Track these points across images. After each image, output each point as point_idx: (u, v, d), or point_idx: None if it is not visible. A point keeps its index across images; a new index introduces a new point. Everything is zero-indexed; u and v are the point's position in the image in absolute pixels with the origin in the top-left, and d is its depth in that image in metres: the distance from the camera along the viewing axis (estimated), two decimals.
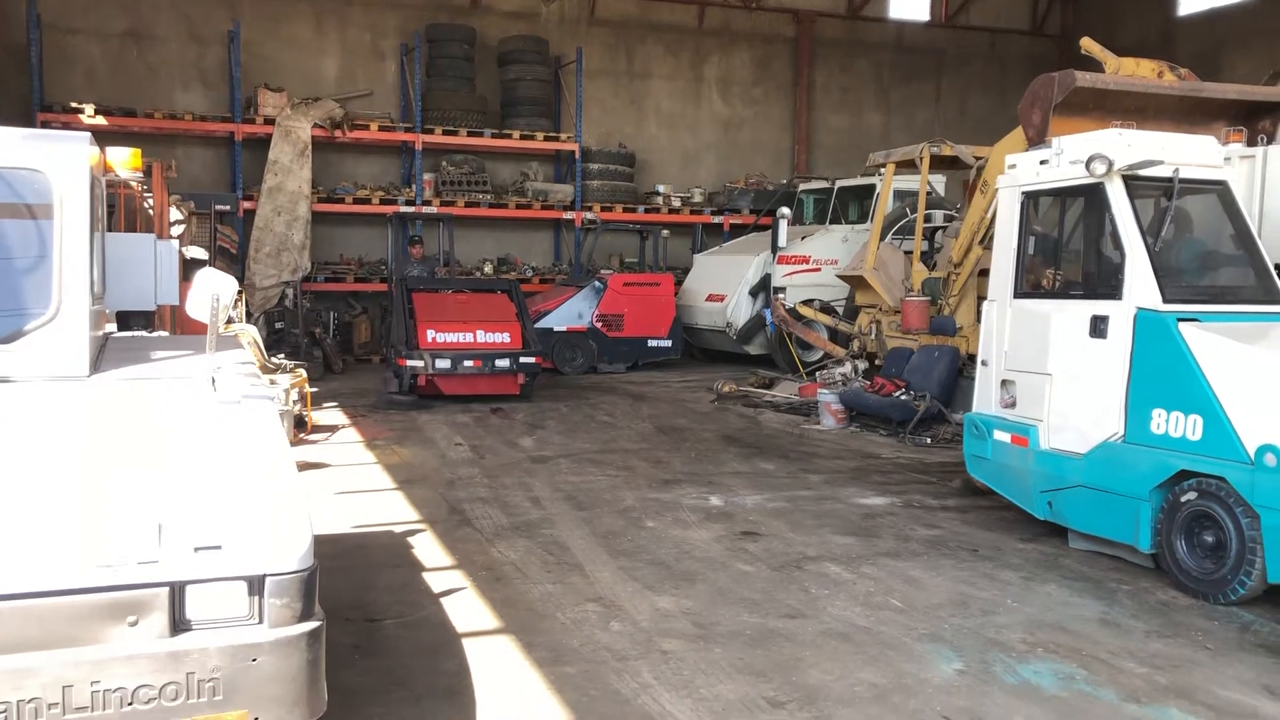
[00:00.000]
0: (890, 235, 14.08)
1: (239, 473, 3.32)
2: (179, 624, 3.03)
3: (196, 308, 4.10)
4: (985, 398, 7.07)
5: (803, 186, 18.20)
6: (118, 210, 9.41)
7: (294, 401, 9.44)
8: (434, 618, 5.16)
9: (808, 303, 14.94)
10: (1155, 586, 5.75)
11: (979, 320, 7.56)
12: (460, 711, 4.09)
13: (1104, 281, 6.29)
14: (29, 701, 2.86)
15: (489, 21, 19.08)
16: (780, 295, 14.98)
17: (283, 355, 11.71)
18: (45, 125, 15.30)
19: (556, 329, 15.47)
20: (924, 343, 11.23)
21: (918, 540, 6.68)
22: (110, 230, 5.64)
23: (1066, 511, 6.38)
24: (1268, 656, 4.80)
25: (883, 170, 13.37)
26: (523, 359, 12.23)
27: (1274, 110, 8.96)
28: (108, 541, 3.00)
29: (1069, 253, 6.82)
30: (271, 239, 16.47)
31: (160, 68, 17.37)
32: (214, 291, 4.05)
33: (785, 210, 14.94)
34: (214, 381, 4.00)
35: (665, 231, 17.62)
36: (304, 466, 8.33)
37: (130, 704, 2.95)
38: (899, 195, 14.80)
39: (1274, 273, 6.35)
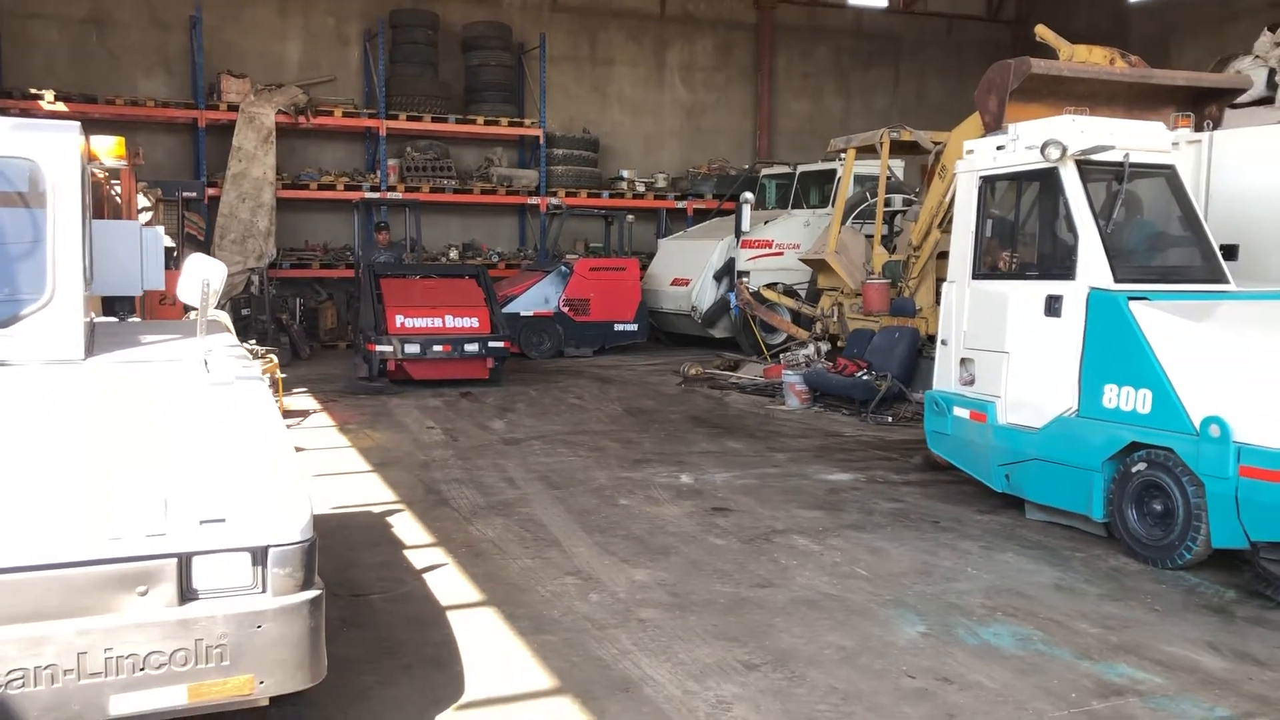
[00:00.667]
0: (851, 219, 14.34)
1: (240, 449, 3.47)
2: (186, 593, 3.18)
3: (187, 292, 4.22)
4: (945, 376, 7.32)
5: (765, 171, 18.42)
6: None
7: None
8: (418, 592, 5.33)
9: (771, 286, 15.17)
10: (1107, 554, 6.03)
11: (938, 302, 7.81)
12: (450, 678, 4.26)
13: (1058, 262, 6.54)
14: (46, 668, 3.00)
15: (452, 7, 19.09)
16: (744, 279, 15.18)
17: (252, 341, 11.75)
18: (3, 112, 15.14)
19: (523, 314, 15.60)
20: (885, 324, 11.49)
21: (881, 513, 6.92)
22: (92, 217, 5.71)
23: (1023, 484, 6.65)
24: (1211, 616, 5.08)
25: (843, 155, 13.61)
26: (491, 343, 12.36)
27: (1220, 96, 9.25)
28: (117, 516, 3.13)
29: (1025, 235, 7.08)
30: (237, 226, 16.44)
31: (122, 53, 17.24)
32: (204, 276, 4.18)
33: (748, 195, 15.13)
34: (206, 364, 4.13)
35: (630, 216, 17.78)
36: None
37: (142, 669, 3.10)
38: (860, 180, 15.06)
39: (1219, 253, 6.64)
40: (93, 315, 4.96)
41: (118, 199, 10.21)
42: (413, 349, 11.98)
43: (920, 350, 10.84)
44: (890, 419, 10.45)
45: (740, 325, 15.72)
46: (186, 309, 9.29)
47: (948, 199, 10.19)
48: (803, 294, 14.85)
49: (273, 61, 18.02)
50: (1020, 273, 6.88)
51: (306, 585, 3.32)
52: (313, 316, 17.17)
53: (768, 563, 5.82)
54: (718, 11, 21.42)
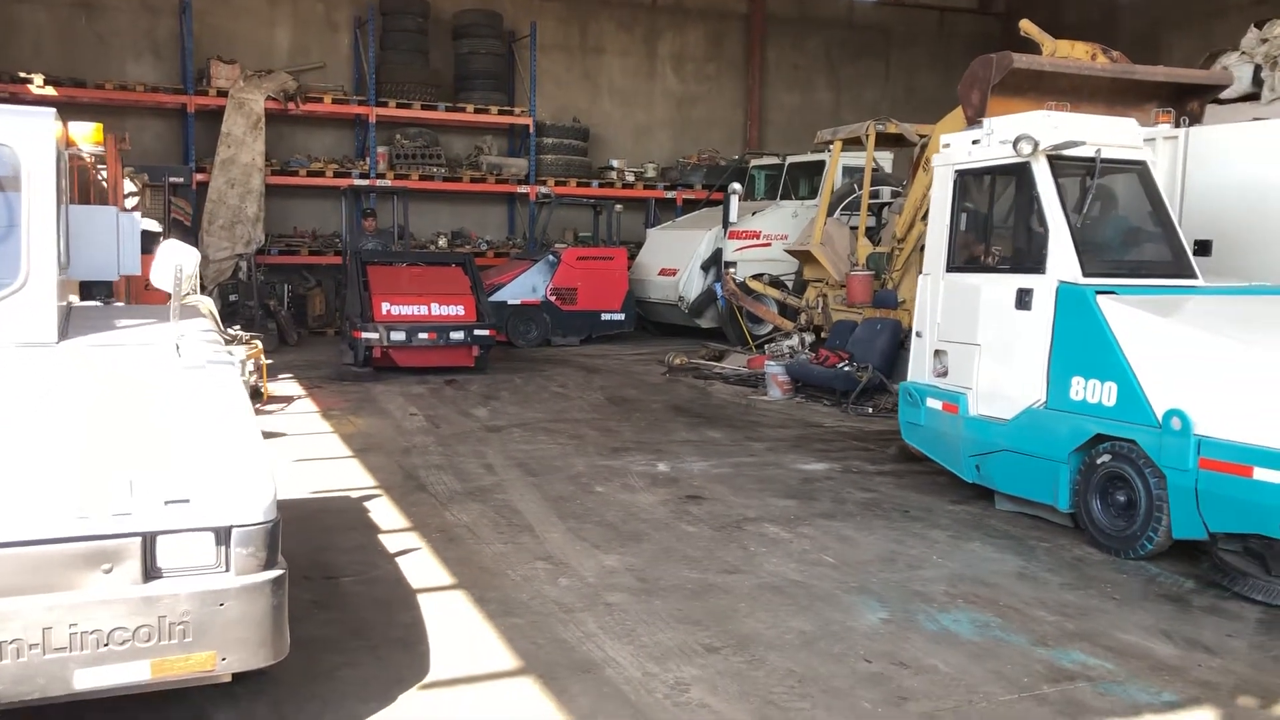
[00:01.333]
0: (839, 211, 14.42)
1: (206, 432, 3.54)
2: (150, 571, 3.26)
3: (160, 278, 4.30)
4: (920, 367, 7.40)
5: (754, 162, 18.48)
6: (72, 182, 9.45)
7: (250, 373, 9.57)
8: (390, 575, 5.41)
9: (758, 277, 15.24)
10: (1072, 544, 6.13)
11: None
12: (415, 659, 4.34)
13: (1029, 256, 6.62)
14: (11, 642, 3.08)
15: None
16: (731, 269, 15.27)
17: (238, 327, 11.82)
18: None
19: (511, 302, 15.65)
20: (867, 316, 11.57)
21: (853, 502, 7.01)
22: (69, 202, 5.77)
23: (993, 474, 6.74)
24: (1168, 605, 5.18)
25: (831, 147, 13.68)
26: (477, 331, 12.41)
27: (1202, 91, 9.32)
28: (83, 495, 3.21)
29: (998, 229, 7.15)
30: (225, 211, 16.47)
31: (111, 38, 17.23)
32: (177, 262, 4.26)
33: (737, 186, 15.23)
34: (178, 348, 4.20)
35: (619, 206, 17.83)
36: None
37: (106, 645, 3.18)
38: (849, 172, 15.14)
39: (1188, 249, 6.73)
40: (69, 299, 5.03)
41: (104, 184, 10.26)
42: (398, 336, 12.05)
43: (902, 342, 10.90)
44: (870, 410, 10.53)
45: (727, 315, 15.79)
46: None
47: (930, 192, 10.25)
48: (789, 285, 14.92)
49: (262, 47, 18.02)
50: (992, 266, 6.95)
51: (269, 565, 3.40)
52: (301, 303, 17.21)
53: (737, 550, 5.91)
54: (709, 2, 21.45)
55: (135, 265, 5.03)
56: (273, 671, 3.93)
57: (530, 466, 7.89)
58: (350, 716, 3.81)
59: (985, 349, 6.77)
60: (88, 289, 5.42)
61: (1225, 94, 10.57)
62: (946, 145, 7.34)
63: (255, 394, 9.99)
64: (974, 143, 7.01)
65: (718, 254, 16.05)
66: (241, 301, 15.40)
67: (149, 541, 3.25)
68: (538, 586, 5.24)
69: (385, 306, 12.17)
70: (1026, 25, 9.99)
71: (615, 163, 20.02)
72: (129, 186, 11.64)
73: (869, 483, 7.59)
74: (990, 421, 6.68)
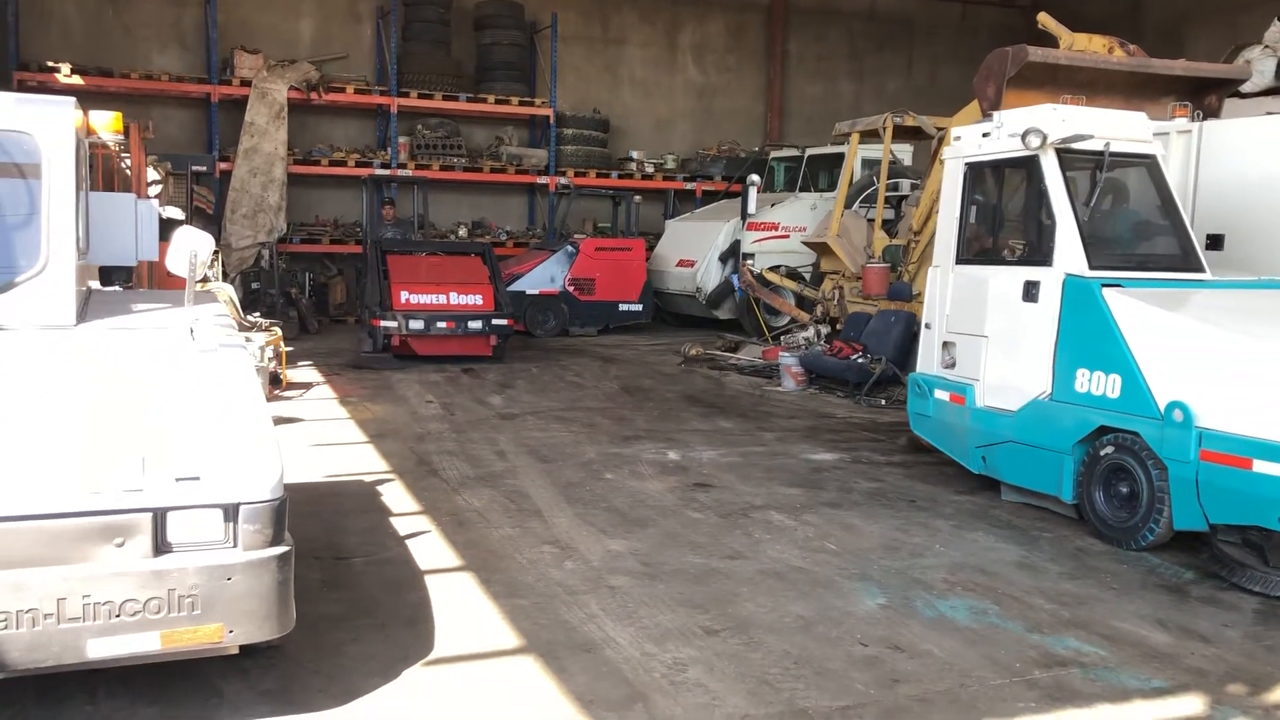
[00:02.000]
0: (858, 203, 14.43)
1: (216, 412, 3.66)
2: (161, 546, 3.38)
3: (175, 263, 4.42)
4: (929, 359, 7.45)
5: (774, 154, 18.51)
6: (96, 170, 9.62)
7: (269, 359, 9.72)
8: (399, 557, 5.52)
9: (775, 269, 15.30)
10: (1075, 534, 6.17)
11: None
12: (421, 637, 4.45)
13: (1037, 249, 6.65)
14: (27, 611, 3.21)
15: None
16: (749, 261, 15.33)
17: (258, 314, 11.98)
18: (21, 84, 15.39)
19: (529, 292, 15.75)
20: (882, 308, 11.60)
21: (860, 492, 7.08)
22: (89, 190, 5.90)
23: (999, 465, 6.79)
24: (1166, 595, 5.22)
25: (849, 139, 13.70)
26: (495, 320, 12.50)
27: (1220, 86, 9.31)
28: (97, 471, 3.34)
29: (1006, 222, 7.18)
30: (248, 200, 16.65)
31: (137, 28, 17.43)
32: (192, 248, 4.38)
33: (755, 177, 15.26)
34: (192, 332, 4.32)
35: (638, 197, 17.89)
36: (279, 421, 8.62)
37: (118, 616, 3.30)
38: (869, 164, 15.14)
39: (1197, 243, 6.75)
40: (87, 284, 5.17)
41: (128, 172, 10.43)
42: (417, 325, 12.15)
43: (915, 334, 10.93)
44: (883, 402, 10.58)
45: (744, 307, 15.84)
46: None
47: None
48: (806, 277, 14.96)
49: (286, 38, 18.17)
50: (1001, 258, 6.99)
51: (276, 541, 3.52)
52: (322, 291, 17.38)
53: (741, 536, 5.99)
54: None
55: (153, 251, 5.17)
56: (281, 646, 4.07)
57: (542, 453, 7.99)
58: (355, 690, 3.92)
59: (993, 341, 6.81)
60: (108, 274, 5.54)
61: (1247, 88, 10.55)
62: (957, 138, 7.38)
63: (274, 380, 10.15)
64: (984, 136, 7.04)
65: (736, 245, 16.10)
66: (263, 289, 15.57)
67: (159, 517, 3.37)
68: (543, 569, 5.35)
69: (404, 295, 12.28)
70: (1044, 18, 9.99)
71: (635, 154, 20.09)
72: (152, 175, 11.81)
73: (877, 473, 7.65)
74: (997, 413, 6.73)
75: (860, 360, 10.89)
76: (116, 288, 5.87)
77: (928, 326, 7.48)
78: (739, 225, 15.90)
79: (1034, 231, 6.77)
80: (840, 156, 15.84)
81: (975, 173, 7.19)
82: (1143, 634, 4.68)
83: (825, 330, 12.87)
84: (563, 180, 18.72)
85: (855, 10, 22.61)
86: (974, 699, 3.98)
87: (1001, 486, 6.93)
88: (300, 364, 12.05)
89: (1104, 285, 6.13)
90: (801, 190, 16.91)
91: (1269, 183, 7.81)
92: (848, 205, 13.78)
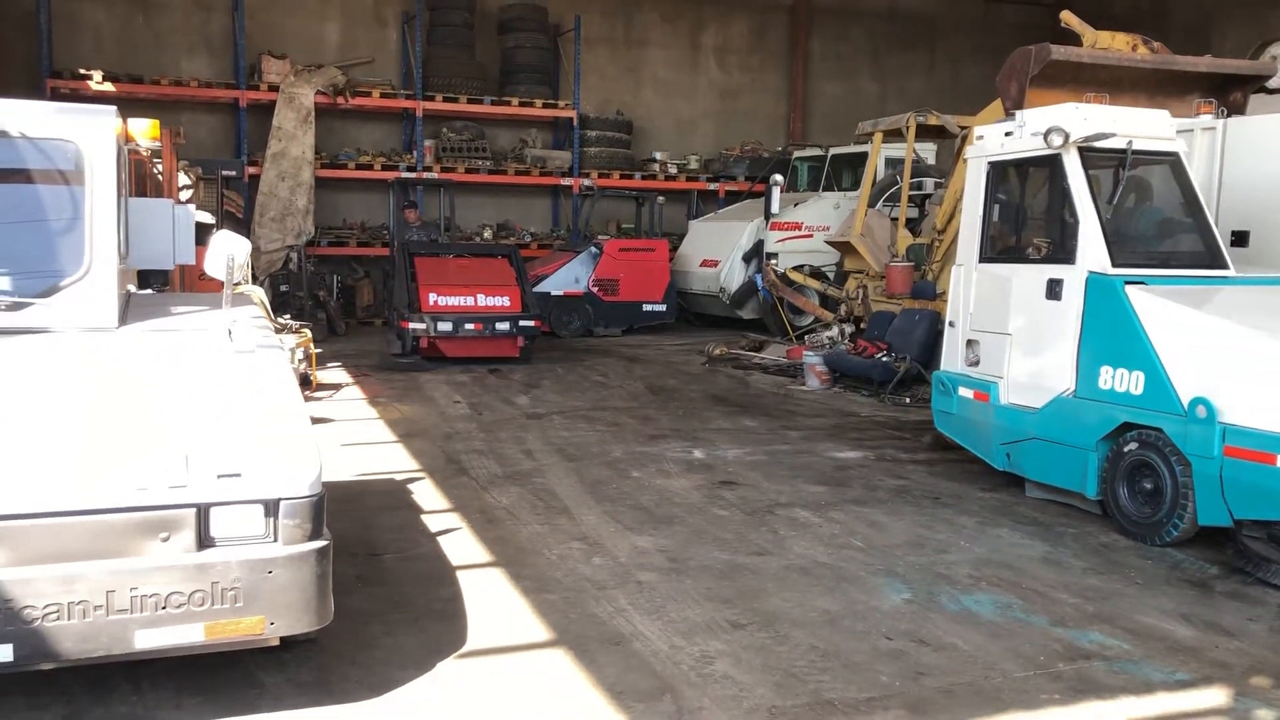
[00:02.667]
0: (882, 202, 14.46)
1: (256, 411, 3.77)
2: (205, 540, 3.50)
3: (214, 267, 4.53)
4: (952, 357, 7.49)
5: (797, 154, 18.54)
6: (129, 176, 9.79)
7: (299, 360, 9.86)
8: (431, 553, 5.63)
9: (799, 268, 15.34)
10: (1099, 530, 6.21)
11: None
12: (454, 630, 4.55)
13: (1060, 247, 6.69)
14: (78, 603, 3.33)
15: None
16: (772, 261, 15.38)
17: (288, 316, 12.13)
18: (54, 91, 15.65)
19: (554, 293, 15.85)
20: (906, 306, 11.63)
21: (885, 489, 7.13)
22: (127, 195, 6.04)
23: (1023, 462, 6.83)
24: (1190, 590, 5.26)
25: (873, 138, 13.74)
26: (522, 322, 12.56)
27: (1244, 82, 9.29)
28: (143, 468, 3.45)
29: (1029, 220, 7.22)
30: (276, 204, 16.84)
31: (166, 34, 17.66)
32: (230, 252, 4.48)
33: (778, 177, 15.32)
34: (230, 333, 4.43)
35: (661, 198, 17.96)
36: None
37: (164, 608, 3.42)
38: (892, 163, 15.17)
39: (1220, 240, 6.76)
40: (128, 287, 5.30)
41: (160, 177, 10.60)
42: (445, 327, 12.22)
43: (939, 333, 10.96)
44: (908, 400, 10.61)
45: (768, 307, 15.89)
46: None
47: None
48: (830, 276, 15.00)
49: (312, 43, 18.37)
50: (1024, 256, 7.02)
51: (315, 536, 3.62)
52: (349, 293, 17.55)
53: (767, 533, 6.06)
54: None
55: (190, 255, 5.29)
56: (318, 639, 4.18)
57: (569, 452, 8.09)
58: (390, 681, 4.02)
59: (1016, 338, 6.85)
60: (145, 278, 5.68)
61: (1274, 84, 10.50)
62: (980, 137, 7.42)
63: (304, 381, 10.29)
64: (1006, 135, 7.08)
65: (759, 245, 16.15)
66: (292, 292, 15.75)
67: (203, 512, 3.48)
68: (572, 565, 5.44)
69: (432, 297, 12.34)
70: (1067, 16, 9.99)
71: (658, 155, 20.17)
72: (183, 179, 11.99)
73: (901, 470, 7.70)
74: (1021, 410, 6.77)
75: (885, 359, 10.93)
76: (149, 291, 6.02)
77: (951, 325, 7.52)
78: (762, 225, 15.96)
79: (1057, 230, 6.80)
80: (863, 156, 15.87)
81: (998, 171, 7.23)
82: (1167, 628, 4.72)
83: (849, 329, 12.91)
84: (586, 182, 18.83)
85: (877, 9, 22.61)
86: (998, 691, 4.04)
87: (1025, 483, 6.97)
88: (329, 365, 12.20)
89: (1127, 283, 6.17)
90: (825, 190, 16.95)
91: None
92: (871, 204, 13.82)
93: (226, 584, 3.47)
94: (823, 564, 5.52)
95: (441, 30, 18.58)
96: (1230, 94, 9.21)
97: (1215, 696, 4.04)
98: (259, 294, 9.29)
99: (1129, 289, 6.12)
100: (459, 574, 5.29)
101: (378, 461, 7.70)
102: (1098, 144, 6.49)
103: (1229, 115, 8.61)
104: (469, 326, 12.30)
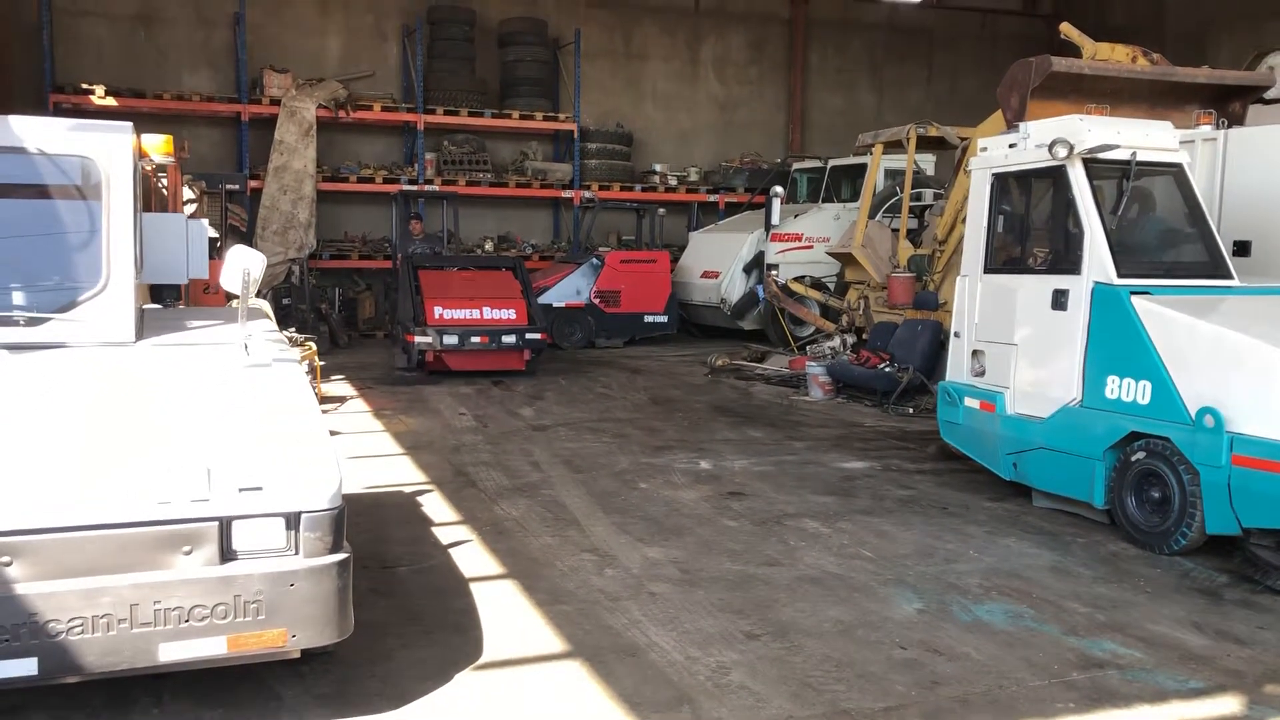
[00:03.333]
0: (881, 213, 14.52)
1: (275, 424, 3.80)
2: (227, 553, 3.52)
3: (230, 281, 4.56)
4: (958, 367, 7.53)
5: (796, 165, 18.61)
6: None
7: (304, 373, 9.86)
8: (443, 565, 5.65)
9: (800, 279, 15.38)
10: (1107, 539, 6.23)
11: None
12: (469, 642, 4.57)
13: (1065, 257, 6.72)
14: (102, 617, 3.35)
15: (489, 3, 19.41)
16: (773, 272, 15.42)
17: (292, 329, 12.15)
18: (57, 106, 15.72)
19: (555, 305, 15.88)
20: (908, 317, 11.67)
21: (892, 499, 7.16)
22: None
23: (1030, 472, 6.86)
24: (1201, 598, 5.28)
25: (872, 150, 13.80)
26: (528, 335, 12.46)
27: (1244, 93, 9.36)
28: (165, 483, 3.48)
29: (1034, 231, 7.26)
30: (278, 217, 16.89)
31: (168, 49, 17.74)
32: (245, 266, 4.51)
33: (779, 189, 15.37)
34: (246, 347, 4.46)
35: (661, 210, 18.03)
36: None
37: (187, 621, 3.44)
38: (891, 174, 15.23)
39: (1224, 250, 6.80)
40: (143, 301, 5.32)
41: (164, 191, 10.63)
42: (451, 340, 12.14)
43: (942, 343, 11.01)
44: (911, 410, 10.65)
45: (769, 317, 15.94)
46: (229, 297, 9.69)
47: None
48: (831, 287, 15.05)
49: (314, 57, 18.44)
50: (1029, 267, 7.06)
51: (335, 548, 3.64)
52: (351, 306, 17.59)
53: (777, 543, 6.09)
54: (751, 6, 21.60)
55: (203, 269, 5.32)
56: (335, 652, 4.19)
57: (576, 464, 8.11)
58: (408, 694, 4.04)
59: (1022, 349, 6.89)
60: (158, 292, 5.70)
61: (1271, 94, 10.57)
62: (984, 149, 7.47)
63: None
64: (1010, 146, 7.14)
65: (760, 256, 16.22)
66: (294, 305, 15.77)
67: (225, 526, 3.51)
68: (584, 576, 5.46)
69: (438, 310, 12.27)
70: (1066, 28, 10.06)
71: (658, 167, 20.24)
72: (187, 193, 12.03)
73: (908, 480, 7.73)
74: (1027, 420, 6.80)
75: (888, 369, 10.97)
76: (157, 306, 6.04)
77: (957, 335, 7.56)
78: (763, 236, 16.02)
79: (1062, 240, 6.84)
80: (862, 167, 15.94)
81: (1002, 183, 7.28)
82: (1179, 636, 4.74)
83: (851, 340, 12.95)
84: (587, 194, 18.89)
85: (875, 21, 22.72)
86: (1014, 700, 4.06)
87: (1032, 493, 6.99)
88: (333, 378, 12.22)
89: (1132, 293, 6.20)
90: (824, 201, 17.02)
91: None
92: (871, 215, 13.87)
93: (249, 597, 3.49)
94: (834, 574, 5.54)
95: (442, 44, 18.66)
96: (1229, 105, 9.27)
97: (1229, 705, 4.07)
98: (265, 308, 9.31)
99: (1135, 299, 6.15)
100: (472, 586, 5.31)
101: (386, 474, 7.72)
102: (1102, 155, 6.54)
103: (1229, 126, 8.67)
104: (475, 340, 12.24)
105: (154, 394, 3.96)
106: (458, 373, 12.59)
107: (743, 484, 7.54)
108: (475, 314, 12.39)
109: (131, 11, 17.45)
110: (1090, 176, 6.56)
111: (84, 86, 16.12)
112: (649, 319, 16.54)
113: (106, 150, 4.43)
